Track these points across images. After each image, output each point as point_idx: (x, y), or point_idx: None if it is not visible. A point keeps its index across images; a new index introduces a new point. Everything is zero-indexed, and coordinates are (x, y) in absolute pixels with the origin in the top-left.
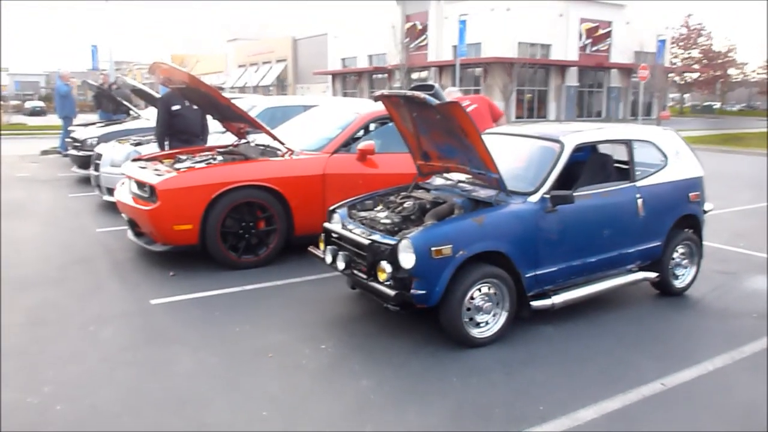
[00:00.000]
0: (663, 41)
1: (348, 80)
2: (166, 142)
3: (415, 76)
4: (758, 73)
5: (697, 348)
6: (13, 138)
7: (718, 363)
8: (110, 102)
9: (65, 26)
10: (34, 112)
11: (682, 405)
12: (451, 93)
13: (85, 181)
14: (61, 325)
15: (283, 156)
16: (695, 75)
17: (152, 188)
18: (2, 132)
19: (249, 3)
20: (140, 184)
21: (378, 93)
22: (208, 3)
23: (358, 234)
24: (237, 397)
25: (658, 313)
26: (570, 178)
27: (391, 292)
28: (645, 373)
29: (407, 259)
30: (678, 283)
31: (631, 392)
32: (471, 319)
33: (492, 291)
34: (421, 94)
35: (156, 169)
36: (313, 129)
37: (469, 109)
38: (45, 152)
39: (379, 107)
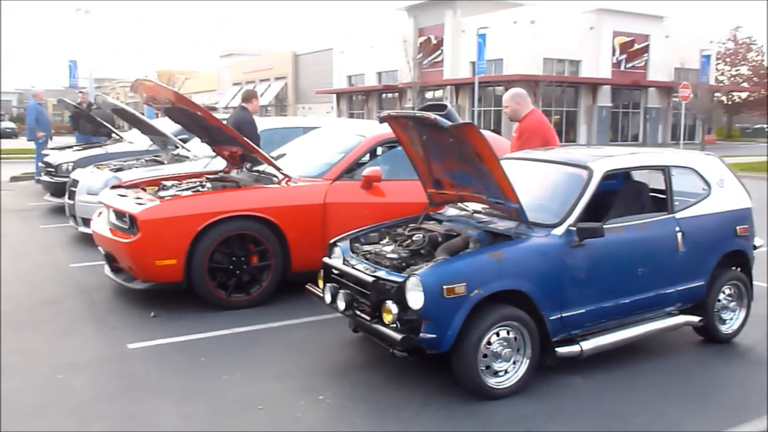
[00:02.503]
0: (707, 57)
1: (355, 100)
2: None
3: (429, 95)
4: None
5: (748, 403)
6: None
7: None
8: (89, 123)
9: (40, 39)
10: (4, 134)
11: None
12: (518, 96)
13: (59, 210)
14: (26, 374)
15: (279, 183)
16: (744, 94)
17: (132, 218)
18: None
19: (245, 15)
20: (119, 214)
21: (384, 113)
22: (200, 14)
23: (362, 270)
24: None
25: (703, 362)
26: (600, 208)
27: (398, 336)
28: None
29: (416, 299)
30: (725, 329)
31: None
32: (488, 367)
33: (512, 335)
34: (432, 115)
35: (137, 198)
36: (313, 153)
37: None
38: (15, 179)
39: (386, 130)
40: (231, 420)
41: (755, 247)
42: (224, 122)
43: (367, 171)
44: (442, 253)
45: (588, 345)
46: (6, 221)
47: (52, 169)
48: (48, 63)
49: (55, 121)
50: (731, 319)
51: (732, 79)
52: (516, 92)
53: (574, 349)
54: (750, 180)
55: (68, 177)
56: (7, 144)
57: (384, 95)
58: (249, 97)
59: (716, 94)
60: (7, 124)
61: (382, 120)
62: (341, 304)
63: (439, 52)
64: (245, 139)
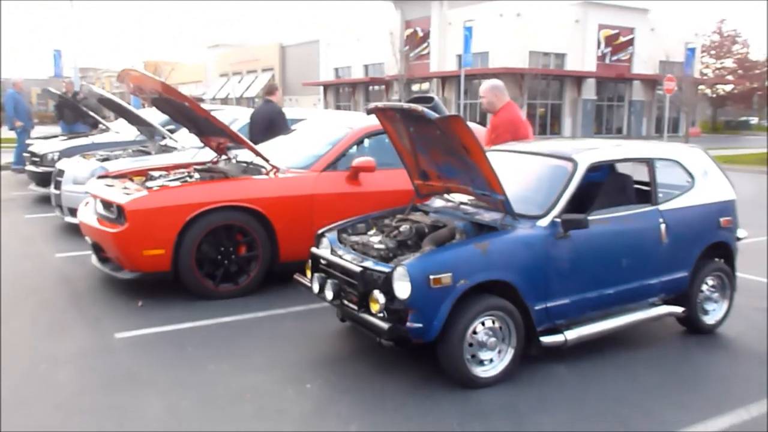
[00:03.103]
0: (692, 50)
1: (342, 92)
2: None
3: (415, 87)
4: None
5: (730, 394)
6: None
7: (754, 411)
8: (74, 112)
9: (24, 28)
10: None
11: None
12: (496, 88)
13: (45, 200)
14: (8, 366)
15: (267, 174)
16: (729, 87)
17: (120, 208)
18: None
19: (232, 5)
20: (106, 204)
21: (371, 105)
22: (187, 5)
23: (349, 260)
24: None
25: (685, 353)
26: (584, 200)
27: (385, 326)
28: (669, 423)
29: (402, 289)
30: (708, 320)
31: None
32: (473, 356)
33: (497, 325)
34: (419, 107)
35: (125, 188)
36: (300, 145)
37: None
38: None
39: (374, 121)
40: (218, 410)
41: (738, 239)
42: (249, 116)
43: (357, 162)
44: (429, 243)
45: (572, 335)
46: None
47: (38, 159)
48: (32, 53)
49: (39, 110)
50: (714, 310)
51: (717, 71)
52: (494, 84)
53: (558, 338)
54: (735, 173)
55: (54, 166)
56: None
57: (371, 87)
58: (272, 90)
59: (701, 87)
60: None
61: (369, 112)
62: (329, 294)
63: (426, 44)
64: (233, 129)
